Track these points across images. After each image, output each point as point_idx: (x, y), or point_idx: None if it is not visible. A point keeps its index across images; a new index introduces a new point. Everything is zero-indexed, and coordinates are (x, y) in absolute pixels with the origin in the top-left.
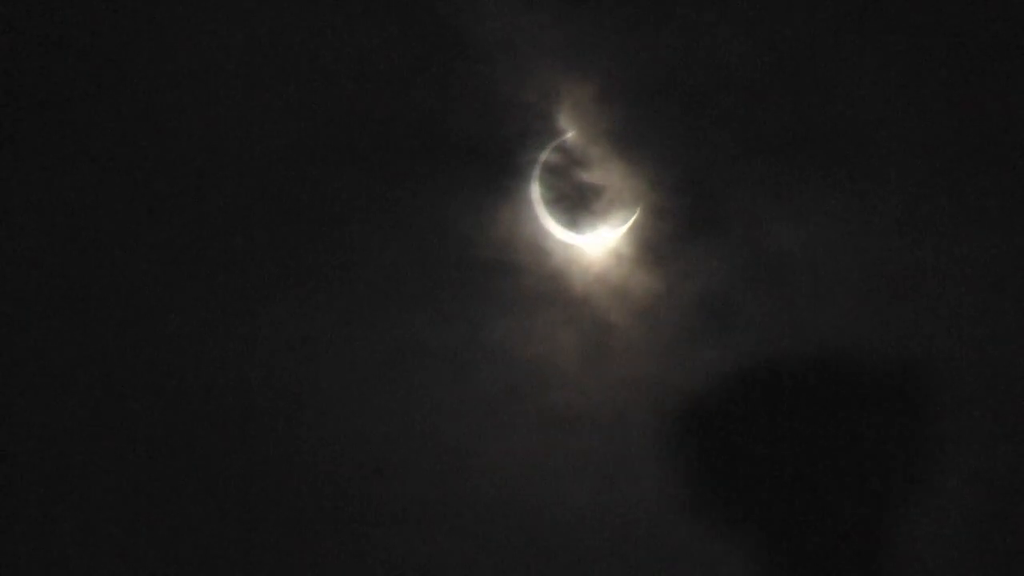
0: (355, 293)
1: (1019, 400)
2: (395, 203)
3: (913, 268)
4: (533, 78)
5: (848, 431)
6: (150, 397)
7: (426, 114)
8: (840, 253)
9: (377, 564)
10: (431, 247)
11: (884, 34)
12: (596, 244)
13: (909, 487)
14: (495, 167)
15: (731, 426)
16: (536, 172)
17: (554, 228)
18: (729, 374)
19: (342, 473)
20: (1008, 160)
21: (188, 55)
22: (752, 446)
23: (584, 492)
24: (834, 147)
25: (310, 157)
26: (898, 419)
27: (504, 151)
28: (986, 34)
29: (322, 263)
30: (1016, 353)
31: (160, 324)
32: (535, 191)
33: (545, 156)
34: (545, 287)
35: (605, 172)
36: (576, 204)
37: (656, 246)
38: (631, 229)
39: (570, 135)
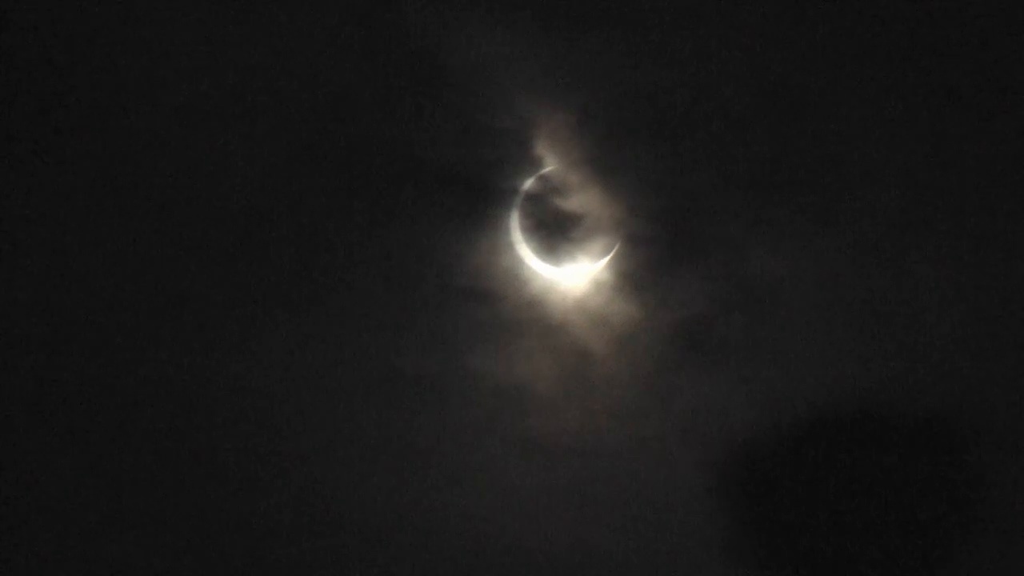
0: (333, 321)
1: (996, 416)
2: (373, 231)
3: (888, 296)
4: (511, 106)
5: (827, 455)
6: (134, 424)
7: (404, 143)
8: (818, 282)
9: None
10: (409, 275)
11: (862, 72)
12: (575, 272)
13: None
14: (473, 195)
15: (711, 454)
16: (514, 200)
17: (532, 256)
18: (708, 402)
19: (319, 493)
20: (979, 193)
21: (170, 89)
22: (731, 472)
23: (561, 521)
24: (812, 179)
25: (289, 187)
26: (875, 442)
27: (482, 179)
28: (959, 73)
29: (300, 292)
30: (993, 374)
31: (143, 354)
32: (513, 219)
33: (523, 184)
34: (523, 315)
35: (584, 200)
36: (554, 232)
37: (635, 274)
38: (609, 257)
39: (548, 163)
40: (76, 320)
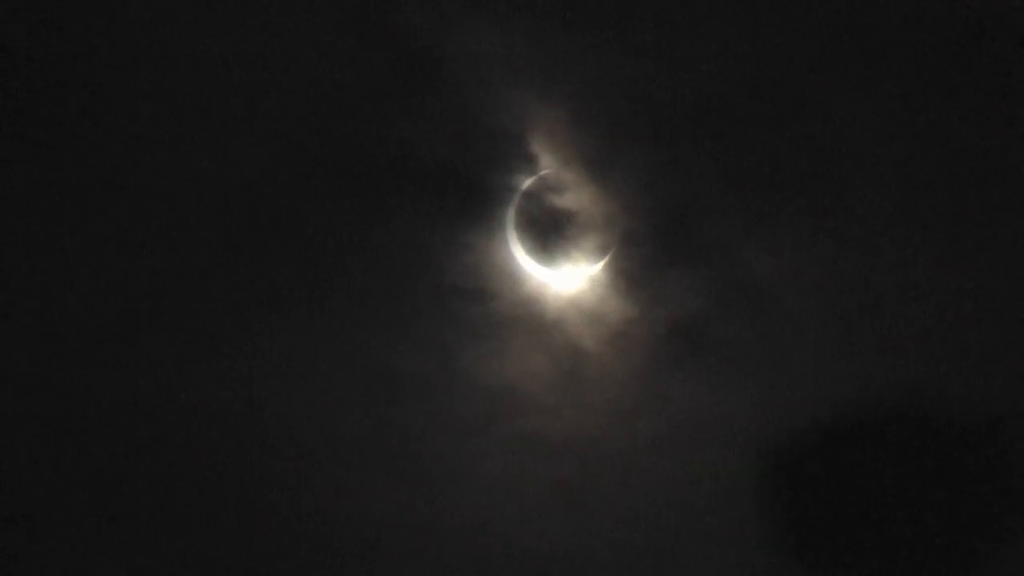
0: (328, 320)
1: (986, 415)
2: (368, 229)
3: (882, 295)
4: (506, 103)
5: (823, 453)
6: (124, 424)
7: (398, 141)
8: (814, 281)
9: None
10: (404, 273)
11: (859, 71)
12: (570, 273)
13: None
14: (467, 193)
15: (705, 451)
16: (509, 198)
17: (527, 254)
18: (703, 400)
19: (314, 494)
20: (976, 192)
21: (160, 85)
22: (725, 469)
23: (556, 519)
24: (808, 178)
25: (282, 185)
26: (872, 441)
27: (476, 177)
28: (955, 72)
29: (293, 290)
30: (984, 373)
31: (134, 354)
32: (507, 217)
33: (518, 182)
34: (518, 312)
35: (579, 198)
36: (549, 230)
37: (630, 272)
38: (602, 250)
39: (543, 161)
40: (63, 319)
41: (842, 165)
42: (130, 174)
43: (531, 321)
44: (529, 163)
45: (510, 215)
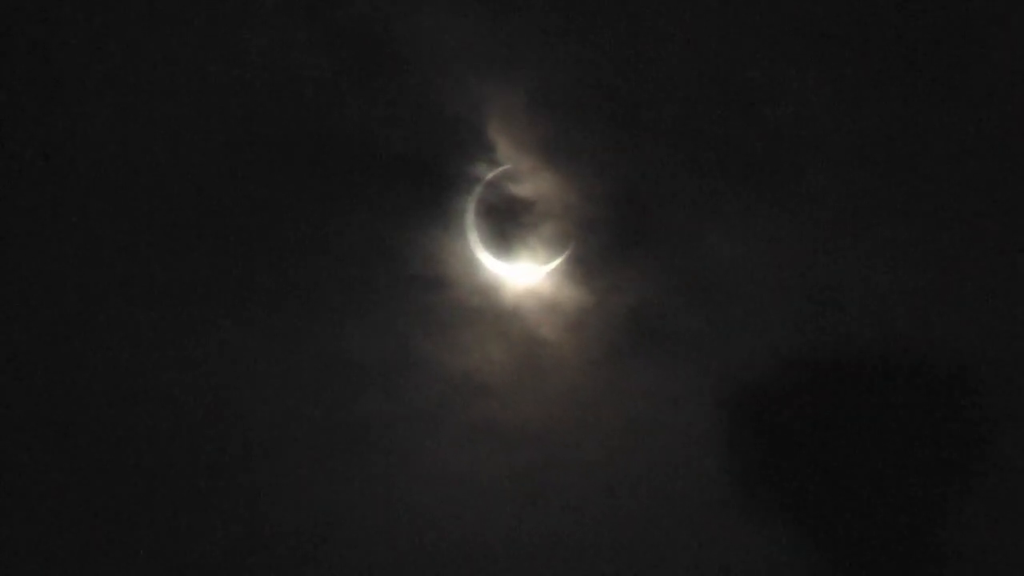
0: (286, 308)
1: (947, 394)
2: (326, 219)
3: (843, 281)
4: (462, 89)
5: (779, 440)
6: (78, 411)
7: (354, 128)
8: (772, 267)
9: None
10: (362, 262)
11: (818, 56)
12: (527, 260)
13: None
14: (425, 181)
15: (662, 439)
16: (466, 186)
17: (483, 242)
18: (661, 387)
19: (269, 482)
20: (935, 176)
21: (123, 78)
22: (683, 458)
23: (513, 507)
24: (766, 164)
25: (240, 176)
26: (828, 426)
27: (434, 165)
28: (915, 57)
29: (250, 278)
30: (946, 355)
31: (95, 342)
32: (465, 204)
33: (475, 170)
34: (475, 301)
35: (536, 185)
36: (506, 218)
37: (588, 260)
38: (561, 241)
39: (501, 148)
40: (28, 312)
41: (800, 152)
42: (88, 167)
43: (489, 310)
44: (487, 151)
45: (469, 204)
